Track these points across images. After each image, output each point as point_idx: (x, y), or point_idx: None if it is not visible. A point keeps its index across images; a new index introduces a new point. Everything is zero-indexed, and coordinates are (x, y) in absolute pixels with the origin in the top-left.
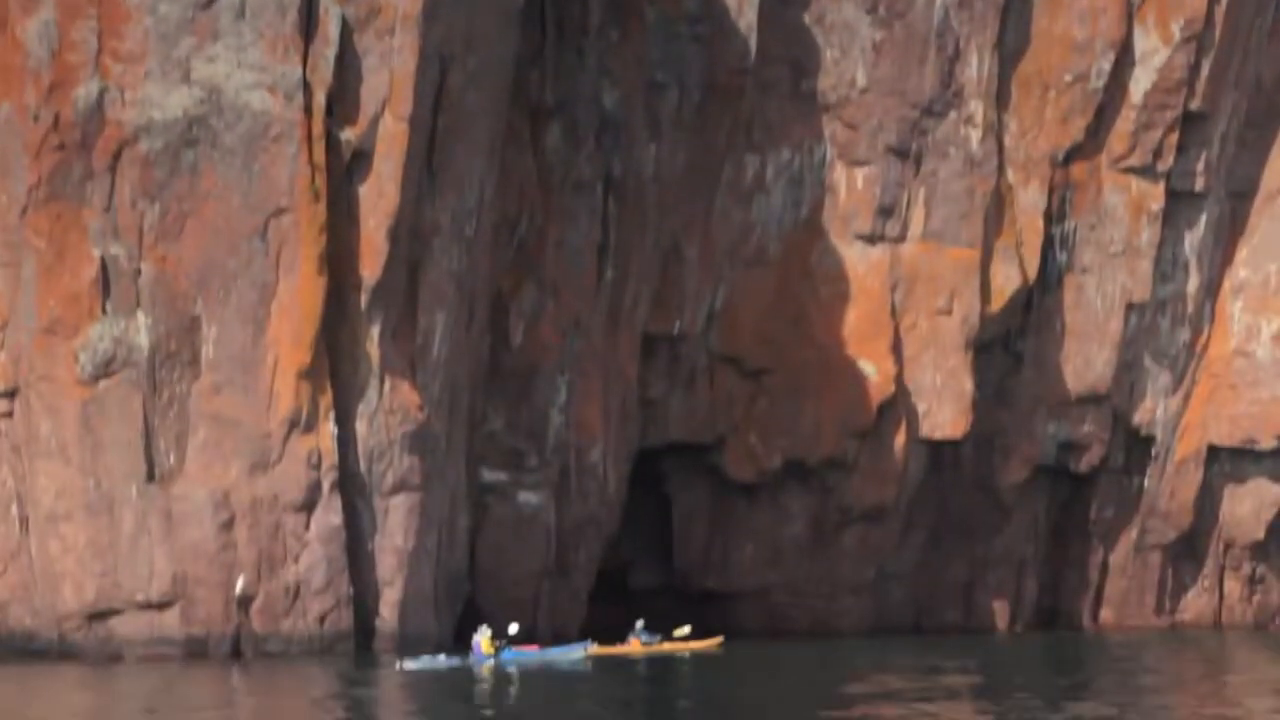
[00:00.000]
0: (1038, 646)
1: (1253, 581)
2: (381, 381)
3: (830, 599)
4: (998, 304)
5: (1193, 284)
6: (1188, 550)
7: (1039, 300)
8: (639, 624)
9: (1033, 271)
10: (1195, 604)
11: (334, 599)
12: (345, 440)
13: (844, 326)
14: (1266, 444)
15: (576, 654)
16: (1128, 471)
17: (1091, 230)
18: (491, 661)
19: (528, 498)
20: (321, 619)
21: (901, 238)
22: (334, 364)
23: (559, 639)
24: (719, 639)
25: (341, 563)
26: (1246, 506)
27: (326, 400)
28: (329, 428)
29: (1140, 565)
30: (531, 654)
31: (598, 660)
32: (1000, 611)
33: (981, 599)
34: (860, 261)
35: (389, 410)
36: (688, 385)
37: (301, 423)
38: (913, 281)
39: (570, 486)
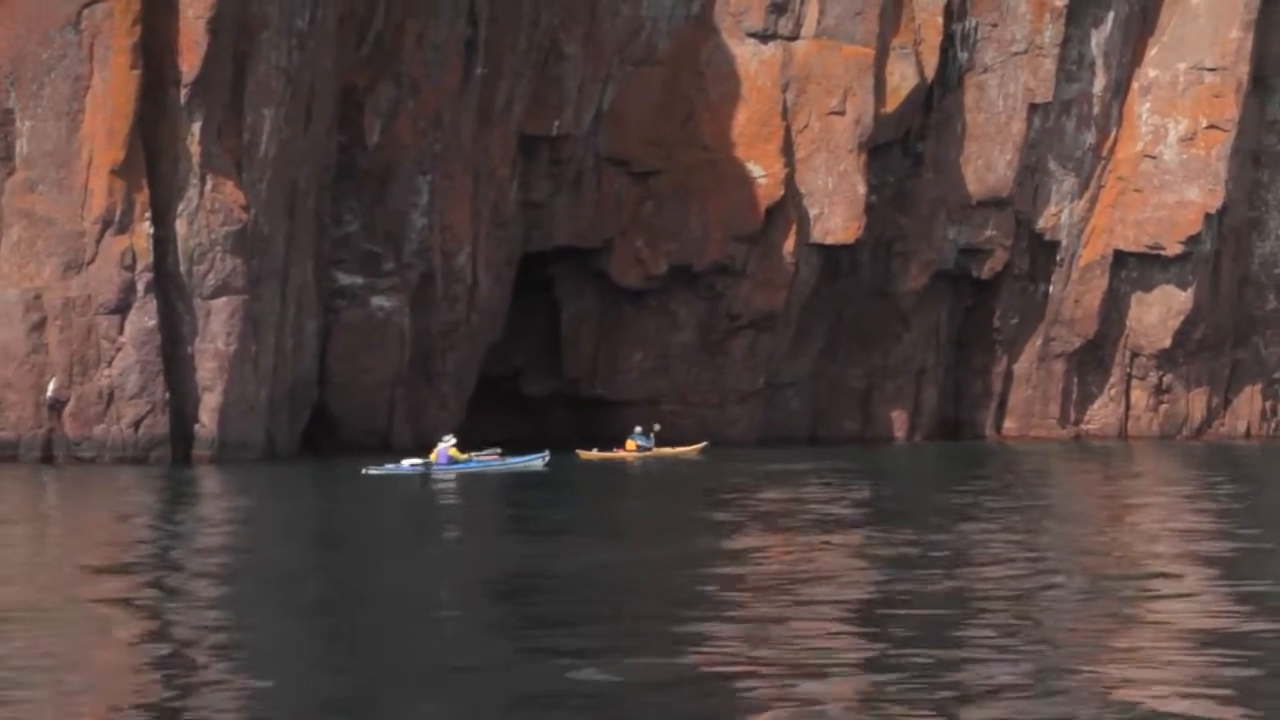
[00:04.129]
0: (932, 455)
1: (1159, 391)
2: (203, 180)
3: (719, 408)
4: (893, 104)
5: (1099, 84)
6: (1093, 359)
7: (938, 101)
8: (638, 429)
9: (931, 71)
10: (1101, 414)
11: (149, 404)
12: (163, 240)
13: (734, 128)
14: (1173, 249)
15: (535, 462)
16: (1032, 278)
17: (993, 28)
18: (455, 468)
19: (381, 302)
20: (136, 424)
21: (794, 35)
22: (152, 161)
23: (425, 447)
24: (702, 444)
25: (157, 367)
26: (1154, 314)
27: (143, 199)
28: (145, 227)
29: (1044, 374)
30: (494, 461)
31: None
32: (899, 421)
33: (880, 409)
34: (752, 60)
35: (210, 210)
36: (573, 188)
37: (116, 221)
38: (805, 81)
39: (435, 291)
